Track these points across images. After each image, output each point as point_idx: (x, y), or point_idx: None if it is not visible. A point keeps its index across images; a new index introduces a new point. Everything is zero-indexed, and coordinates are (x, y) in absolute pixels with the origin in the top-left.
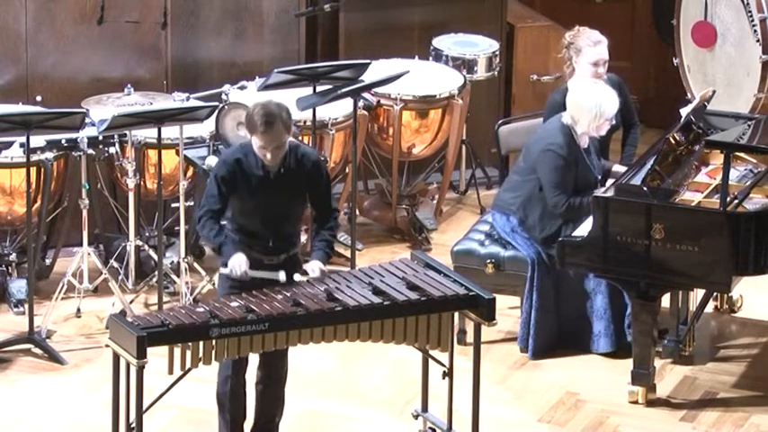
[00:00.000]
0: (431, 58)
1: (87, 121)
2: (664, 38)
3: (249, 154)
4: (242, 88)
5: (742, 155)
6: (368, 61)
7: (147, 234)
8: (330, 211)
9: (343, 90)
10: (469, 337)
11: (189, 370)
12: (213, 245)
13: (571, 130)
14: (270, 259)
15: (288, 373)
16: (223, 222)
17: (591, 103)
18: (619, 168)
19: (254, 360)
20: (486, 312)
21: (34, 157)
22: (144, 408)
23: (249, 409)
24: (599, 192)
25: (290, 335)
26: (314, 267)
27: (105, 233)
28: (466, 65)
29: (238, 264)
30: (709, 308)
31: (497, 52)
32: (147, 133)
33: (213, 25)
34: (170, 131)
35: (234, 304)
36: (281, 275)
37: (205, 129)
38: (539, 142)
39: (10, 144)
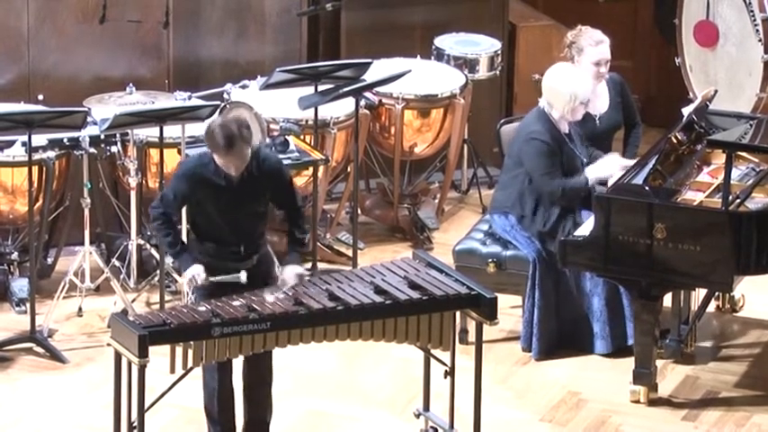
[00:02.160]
0: (432, 58)
1: (89, 120)
2: (666, 37)
3: (210, 163)
4: (244, 87)
5: (744, 154)
6: (369, 60)
7: (148, 233)
8: (297, 209)
9: (345, 89)
10: (471, 337)
11: (191, 369)
12: (170, 252)
13: (549, 116)
14: (245, 264)
15: (273, 373)
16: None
17: (565, 86)
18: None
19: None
20: (488, 311)
21: (36, 156)
22: (145, 407)
23: (238, 413)
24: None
25: (291, 334)
26: (288, 275)
27: (107, 232)
28: (468, 64)
29: (196, 274)
30: (711, 307)
31: (499, 52)
32: (149, 132)
33: (215, 24)
34: (172, 130)
35: (236, 303)
36: (243, 276)
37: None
38: (520, 134)
39: (12, 143)
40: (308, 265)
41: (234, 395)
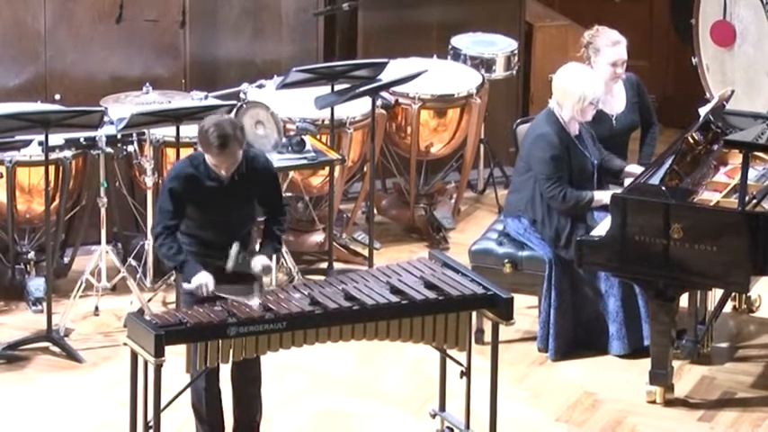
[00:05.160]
0: (449, 57)
1: (106, 119)
2: (682, 37)
3: (200, 165)
4: (260, 87)
5: (761, 154)
6: (386, 60)
7: None
8: (282, 208)
9: (362, 89)
10: (487, 337)
11: (207, 369)
12: (174, 263)
13: (559, 118)
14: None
15: (261, 372)
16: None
17: (575, 86)
18: (633, 169)
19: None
20: (504, 312)
21: (53, 156)
22: (162, 406)
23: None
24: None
25: (307, 334)
26: (257, 263)
27: (124, 231)
28: (484, 64)
29: (205, 283)
30: (728, 308)
31: (516, 51)
32: (166, 132)
33: (232, 24)
34: (188, 130)
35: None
36: (255, 303)
37: None
38: (528, 136)
39: (29, 142)
40: (324, 264)
41: (221, 395)
